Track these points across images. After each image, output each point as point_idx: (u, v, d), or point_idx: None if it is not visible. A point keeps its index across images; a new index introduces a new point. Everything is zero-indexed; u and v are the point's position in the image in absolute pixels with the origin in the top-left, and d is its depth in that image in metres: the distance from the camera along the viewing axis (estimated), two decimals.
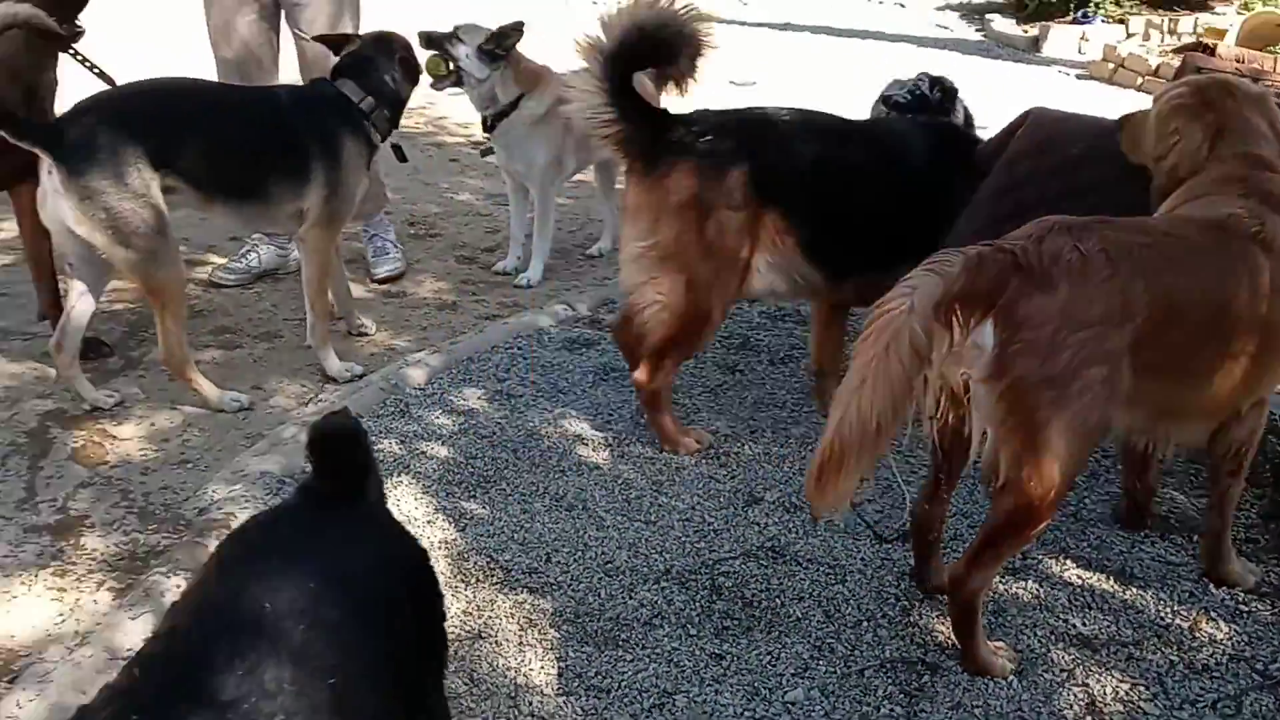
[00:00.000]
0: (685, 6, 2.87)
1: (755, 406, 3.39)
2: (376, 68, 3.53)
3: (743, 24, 11.58)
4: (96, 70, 3.35)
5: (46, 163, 2.93)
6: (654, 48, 2.88)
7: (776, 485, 2.93)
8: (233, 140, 3.24)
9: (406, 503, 2.78)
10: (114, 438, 3.14)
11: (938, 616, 2.39)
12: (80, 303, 3.24)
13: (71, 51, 3.27)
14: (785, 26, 11.28)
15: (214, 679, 1.19)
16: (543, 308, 4.05)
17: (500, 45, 4.17)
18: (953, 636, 2.28)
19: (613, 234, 4.74)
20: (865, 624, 2.39)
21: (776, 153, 2.96)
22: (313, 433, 1.56)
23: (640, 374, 3.06)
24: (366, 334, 3.88)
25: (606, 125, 2.87)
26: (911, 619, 2.41)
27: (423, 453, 3.03)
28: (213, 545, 2.50)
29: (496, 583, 2.51)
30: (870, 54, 9.89)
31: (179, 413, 3.29)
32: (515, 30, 4.18)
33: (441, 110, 7.68)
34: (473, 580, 2.51)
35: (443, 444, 3.08)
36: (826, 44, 10.46)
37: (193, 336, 3.70)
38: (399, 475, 2.90)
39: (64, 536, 2.66)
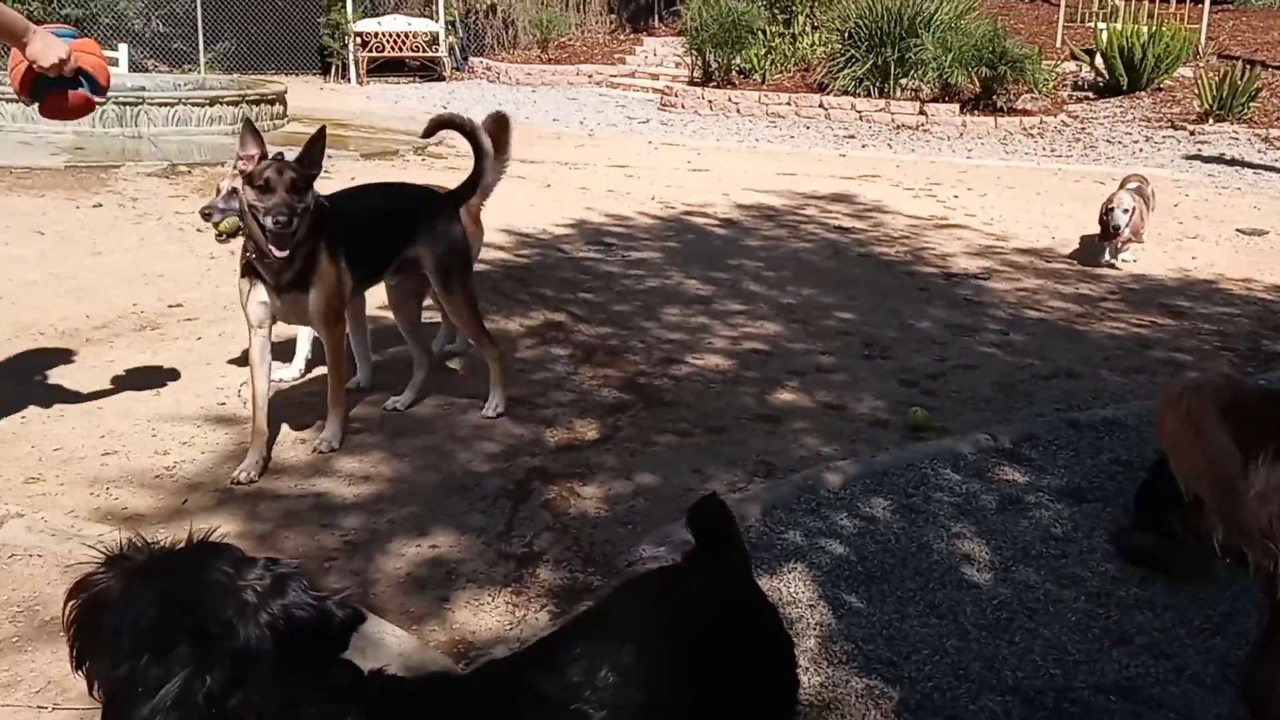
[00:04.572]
0: None
1: None
2: None
3: (1272, 169, 10.99)
4: None
5: None
6: None
7: (1150, 631, 3.02)
8: None
9: (795, 585, 3.19)
10: (579, 495, 3.83)
11: None
12: None
13: None
14: None
15: (565, 662, 1.64)
16: (965, 435, 4.32)
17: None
18: None
19: None
20: None
21: None
22: (691, 511, 2.02)
23: None
24: None
25: None
26: None
27: (821, 547, 3.43)
28: None
29: (856, 667, 2.84)
30: None
31: (633, 483, 3.94)
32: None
33: (925, 241, 8.10)
34: (835, 660, 2.86)
35: (840, 542, 3.46)
36: None
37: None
38: (794, 562, 3.32)
39: (525, 566, 3.35)
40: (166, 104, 11.40)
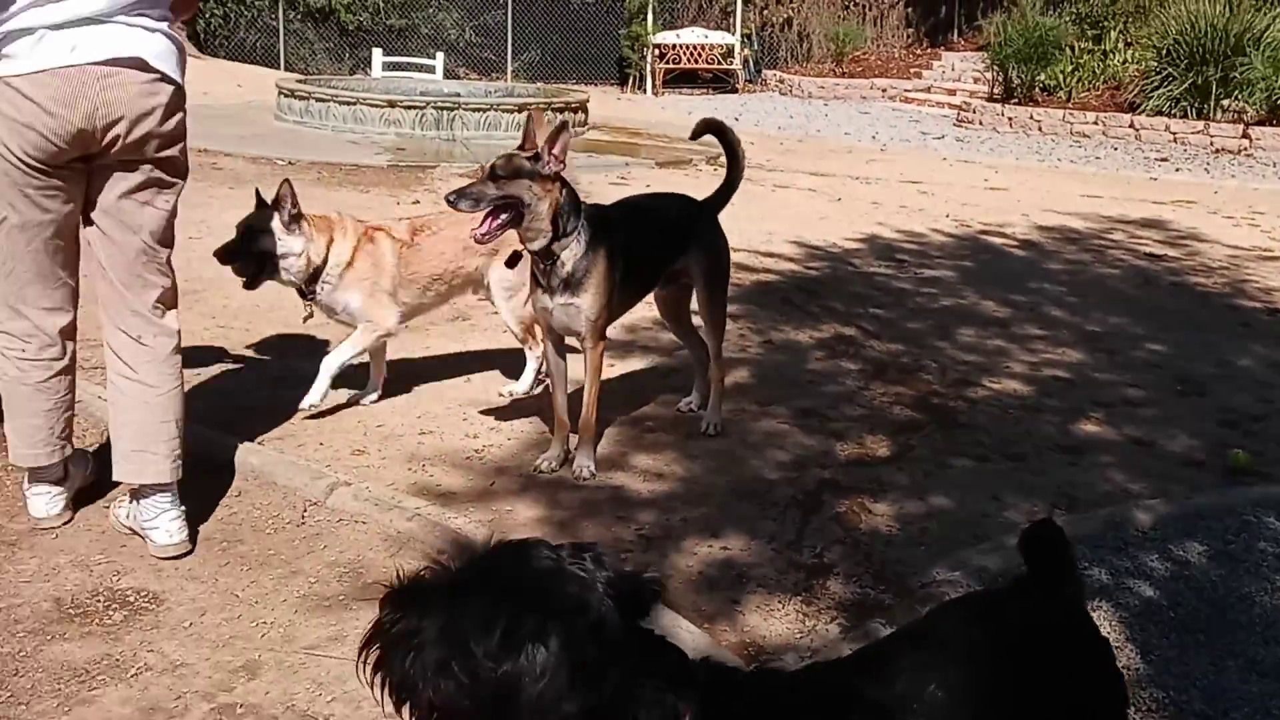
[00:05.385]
0: None
1: None
2: None
3: None
4: None
5: None
6: None
7: None
8: None
9: (1101, 625, 3.03)
10: (870, 511, 3.79)
11: None
12: None
13: None
14: None
15: (892, 674, 1.63)
16: None
17: (294, 203, 4.17)
18: None
19: None
20: None
21: None
22: (1025, 534, 1.95)
23: None
24: None
25: None
26: None
27: (1128, 587, 3.25)
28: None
29: (1167, 717, 2.68)
30: None
31: (926, 504, 3.86)
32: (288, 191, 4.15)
33: (1247, 273, 7.56)
34: (1143, 707, 2.71)
35: (1150, 584, 3.27)
36: None
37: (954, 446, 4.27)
38: (1100, 600, 3.16)
39: (816, 577, 3.34)
40: (480, 109, 12.06)
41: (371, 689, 1.47)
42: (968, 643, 1.64)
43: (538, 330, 4.47)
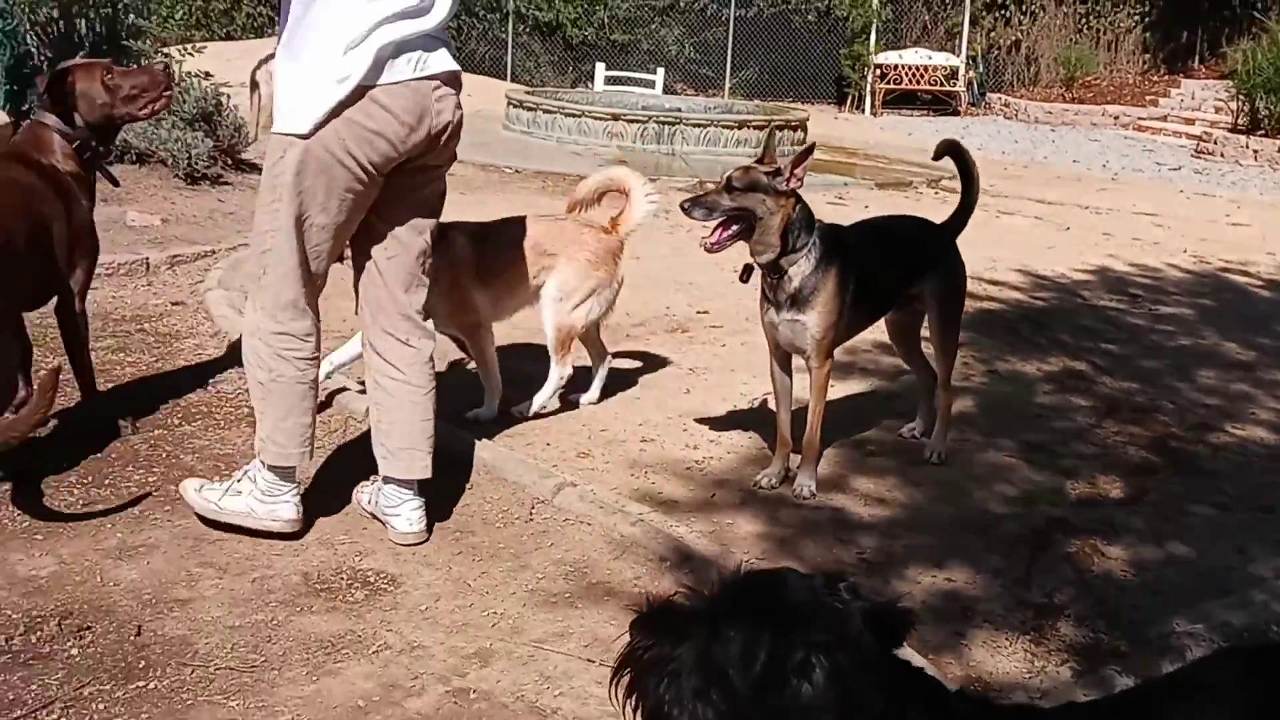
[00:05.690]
0: None
1: None
2: None
3: None
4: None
5: None
6: None
7: None
8: None
9: None
10: (1103, 554, 3.64)
11: None
12: None
13: None
14: None
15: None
16: None
17: None
18: None
19: None
20: None
21: None
22: None
23: None
24: None
25: None
26: None
27: None
28: (1164, 666, 2.91)
29: None
30: None
31: (1164, 551, 3.69)
32: None
33: None
34: None
35: None
36: None
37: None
38: None
39: (1045, 617, 3.23)
40: (700, 125, 12.18)
41: (623, 710, 1.51)
42: (1244, 697, 1.56)
43: (574, 345, 4.57)
